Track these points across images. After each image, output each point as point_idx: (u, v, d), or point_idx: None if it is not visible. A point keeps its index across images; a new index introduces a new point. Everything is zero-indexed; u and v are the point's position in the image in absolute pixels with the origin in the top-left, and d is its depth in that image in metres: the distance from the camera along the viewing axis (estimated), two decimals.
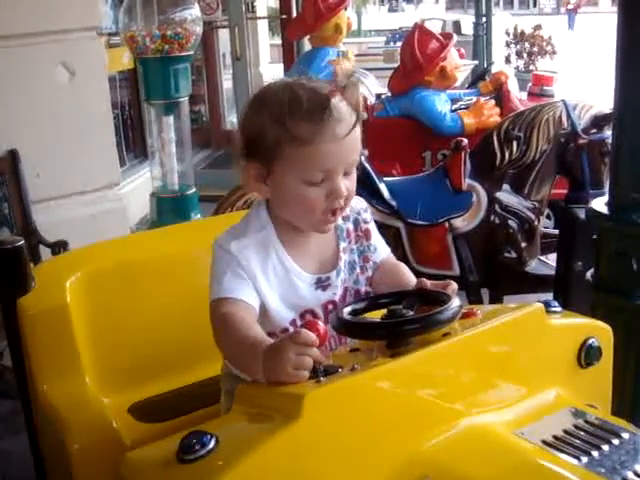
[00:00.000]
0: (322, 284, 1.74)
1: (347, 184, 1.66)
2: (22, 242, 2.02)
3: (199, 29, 4.45)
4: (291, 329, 1.68)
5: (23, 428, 2.24)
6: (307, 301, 1.73)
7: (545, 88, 5.85)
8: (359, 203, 1.85)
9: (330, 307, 1.75)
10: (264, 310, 1.69)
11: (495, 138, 3.79)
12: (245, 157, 1.68)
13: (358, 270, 1.81)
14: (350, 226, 1.82)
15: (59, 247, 3.66)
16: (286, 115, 1.59)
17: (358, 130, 1.64)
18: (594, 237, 2.41)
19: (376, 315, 1.64)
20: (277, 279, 1.69)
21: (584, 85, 11.19)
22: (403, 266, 1.90)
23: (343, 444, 1.36)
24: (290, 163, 1.62)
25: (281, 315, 1.69)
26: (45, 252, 3.88)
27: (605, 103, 3.74)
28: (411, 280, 1.82)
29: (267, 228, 1.72)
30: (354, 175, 1.69)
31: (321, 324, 1.46)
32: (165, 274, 2.27)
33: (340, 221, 1.78)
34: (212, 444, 1.31)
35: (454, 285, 1.67)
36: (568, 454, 1.40)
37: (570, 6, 17.42)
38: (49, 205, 4.28)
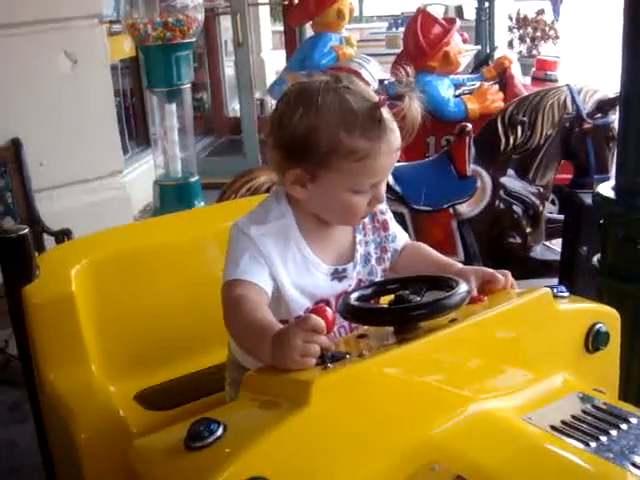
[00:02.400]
0: (339, 275, 1.74)
1: (383, 185, 1.69)
2: (26, 230, 2.01)
3: (201, 16, 4.44)
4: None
5: (29, 417, 2.24)
6: (323, 291, 1.73)
7: (549, 73, 5.84)
8: None
9: None
10: (280, 297, 1.68)
11: (500, 123, 3.77)
12: (286, 160, 1.65)
13: (373, 262, 1.81)
14: (366, 219, 1.81)
15: (63, 235, 3.66)
16: (341, 127, 1.57)
17: None
18: (600, 222, 2.40)
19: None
20: (295, 268, 1.69)
21: (588, 69, 11.14)
22: (425, 247, 1.91)
23: (351, 430, 1.35)
24: (341, 174, 1.61)
25: (297, 303, 1.69)
26: (49, 241, 3.88)
27: (610, 87, 3.73)
28: (438, 259, 1.85)
29: (287, 217, 1.71)
30: None
31: (329, 310, 1.45)
32: (169, 261, 2.26)
33: None
34: (220, 431, 1.31)
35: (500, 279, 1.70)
36: (576, 439, 1.40)
37: None
38: (52, 194, 4.28)
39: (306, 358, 1.39)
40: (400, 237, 1.89)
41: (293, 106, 1.62)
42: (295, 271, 1.69)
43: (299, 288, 1.69)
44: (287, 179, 1.65)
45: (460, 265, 1.80)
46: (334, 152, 1.58)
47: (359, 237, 1.79)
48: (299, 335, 1.39)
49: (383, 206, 1.84)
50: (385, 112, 1.60)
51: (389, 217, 1.86)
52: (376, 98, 1.61)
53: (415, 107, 1.65)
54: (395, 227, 1.88)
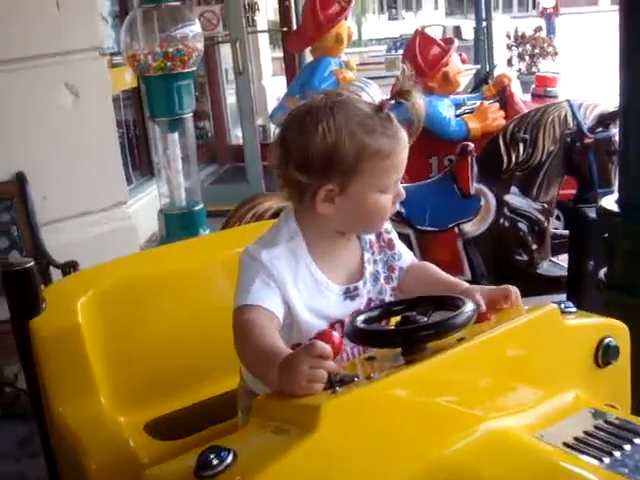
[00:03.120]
0: (350, 294, 1.74)
1: None
2: (32, 264, 2.01)
3: (201, 45, 4.46)
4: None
5: (40, 451, 2.23)
6: (336, 311, 1.73)
7: (549, 89, 5.86)
8: None
9: None
10: (293, 320, 1.68)
11: (501, 141, 3.78)
12: (314, 180, 1.65)
13: (382, 280, 1.81)
14: (372, 237, 1.82)
15: (69, 268, 3.65)
16: (363, 132, 1.61)
17: None
18: (604, 236, 2.39)
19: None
20: (307, 289, 1.69)
21: (587, 84, 11.17)
22: (431, 267, 1.92)
23: (361, 454, 1.34)
24: (369, 177, 1.64)
25: (311, 325, 1.69)
26: (56, 273, 3.88)
27: (610, 101, 3.74)
28: (444, 279, 1.85)
29: (296, 238, 1.71)
30: None
31: (336, 334, 1.45)
32: (176, 290, 2.26)
33: None
34: (230, 459, 1.30)
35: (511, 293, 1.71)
36: (590, 455, 1.38)
37: (549, 10, 17.13)
38: (57, 227, 4.28)
39: (313, 384, 1.38)
40: (405, 256, 1.89)
41: (310, 127, 1.63)
42: (307, 293, 1.69)
43: (312, 310, 1.69)
44: (318, 198, 1.66)
45: (466, 284, 1.80)
46: (361, 158, 1.62)
47: (367, 255, 1.80)
48: (305, 361, 1.38)
49: (388, 225, 1.85)
50: (388, 109, 1.66)
51: (394, 236, 1.87)
52: (376, 101, 1.67)
53: (420, 102, 1.69)
54: (400, 246, 1.89)
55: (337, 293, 1.73)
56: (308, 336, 1.67)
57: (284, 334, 1.63)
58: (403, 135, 1.67)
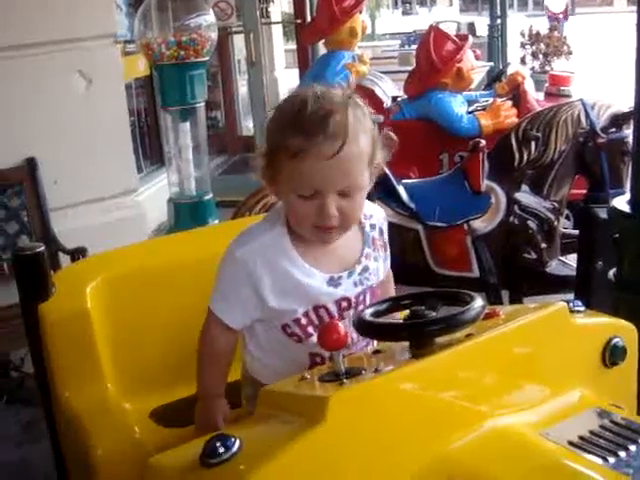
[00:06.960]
0: (334, 282, 1.75)
1: (343, 205, 1.65)
2: (42, 248, 2.02)
3: (214, 35, 4.46)
4: (303, 320, 1.74)
5: (44, 436, 2.24)
6: (319, 297, 1.74)
7: (562, 88, 5.84)
8: (381, 214, 1.89)
9: (344, 304, 1.77)
10: (269, 308, 1.72)
11: (513, 138, 3.76)
12: (262, 154, 1.70)
13: (371, 270, 1.82)
14: (376, 234, 1.84)
15: (78, 254, 3.67)
16: (287, 123, 1.61)
17: (357, 152, 1.62)
18: (615, 236, 2.39)
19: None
20: (285, 277, 1.71)
21: (601, 84, 11.13)
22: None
23: (367, 447, 1.35)
24: (284, 173, 1.65)
25: (291, 309, 1.73)
26: (64, 260, 3.89)
27: (623, 102, 3.72)
28: None
29: (276, 228, 1.74)
30: (357, 198, 1.67)
31: (341, 325, 1.45)
32: (184, 279, 2.27)
33: (368, 228, 1.81)
34: (236, 447, 1.30)
35: None
36: (595, 454, 1.38)
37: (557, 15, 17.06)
38: (67, 212, 4.30)
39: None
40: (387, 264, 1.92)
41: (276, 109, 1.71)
42: (284, 280, 1.71)
43: (290, 296, 1.72)
44: (263, 172, 1.71)
45: None
46: (278, 148, 1.63)
47: (368, 250, 1.81)
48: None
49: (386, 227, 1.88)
50: (338, 117, 1.58)
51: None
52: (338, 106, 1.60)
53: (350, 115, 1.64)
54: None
55: (319, 279, 1.74)
56: (291, 318, 1.74)
57: (264, 320, 1.75)
58: (325, 146, 1.57)
